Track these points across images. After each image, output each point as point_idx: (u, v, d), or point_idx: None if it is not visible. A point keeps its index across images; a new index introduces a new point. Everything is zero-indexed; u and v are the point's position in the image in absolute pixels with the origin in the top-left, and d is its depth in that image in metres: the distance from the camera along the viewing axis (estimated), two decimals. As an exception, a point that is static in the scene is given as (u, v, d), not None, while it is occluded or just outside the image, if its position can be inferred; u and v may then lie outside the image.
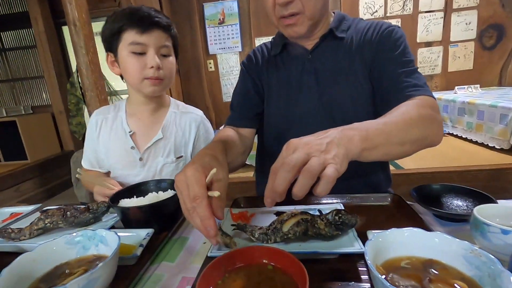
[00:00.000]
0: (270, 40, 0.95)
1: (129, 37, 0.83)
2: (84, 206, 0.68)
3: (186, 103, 1.06)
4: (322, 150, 0.43)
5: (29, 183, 3.05)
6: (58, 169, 3.34)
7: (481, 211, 0.50)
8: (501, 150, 2.12)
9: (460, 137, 2.50)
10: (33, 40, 3.44)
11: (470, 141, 2.39)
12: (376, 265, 0.39)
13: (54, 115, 3.54)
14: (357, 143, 0.47)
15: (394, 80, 0.72)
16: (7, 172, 2.88)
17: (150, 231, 0.58)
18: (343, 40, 0.81)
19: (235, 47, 3.48)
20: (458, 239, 0.39)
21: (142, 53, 0.84)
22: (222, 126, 0.98)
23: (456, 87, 2.87)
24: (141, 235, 0.57)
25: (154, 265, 0.54)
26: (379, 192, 0.86)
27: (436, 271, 0.39)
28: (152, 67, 0.83)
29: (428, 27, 3.18)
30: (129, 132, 0.93)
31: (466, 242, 0.39)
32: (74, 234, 0.49)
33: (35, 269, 0.45)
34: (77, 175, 0.89)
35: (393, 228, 0.43)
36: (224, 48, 3.51)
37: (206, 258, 0.50)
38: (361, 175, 0.84)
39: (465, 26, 3.13)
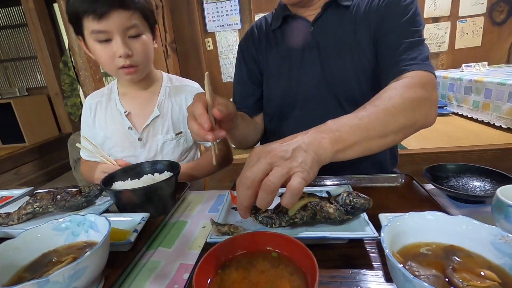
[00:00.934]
0: (272, 12, 0.87)
1: (88, 25, 0.72)
2: (75, 189, 0.64)
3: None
4: (286, 158, 0.39)
5: (28, 166, 3.02)
6: (57, 152, 3.30)
7: (504, 192, 0.46)
8: (508, 130, 2.06)
9: (466, 117, 2.44)
10: (23, 18, 3.29)
11: (476, 120, 2.33)
12: (393, 252, 0.35)
13: (50, 97, 3.46)
14: (327, 146, 0.43)
15: (392, 52, 0.65)
16: (6, 155, 2.84)
17: (145, 215, 0.55)
18: (348, 8, 0.74)
19: (234, 24, 3.34)
20: (486, 224, 0.35)
21: (108, 40, 0.73)
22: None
23: (463, 65, 2.77)
24: (135, 219, 0.54)
25: (150, 251, 0.51)
26: (384, 172, 0.82)
27: (459, 258, 0.35)
28: (120, 56, 0.74)
29: (436, 1, 3.03)
30: (124, 112, 0.88)
31: (494, 227, 0.34)
32: (61, 219, 0.45)
33: (19, 258, 0.41)
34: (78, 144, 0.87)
35: (412, 212, 0.38)
36: (223, 26, 3.37)
37: (205, 244, 0.46)
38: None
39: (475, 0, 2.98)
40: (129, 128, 0.87)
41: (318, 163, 0.42)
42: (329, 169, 0.80)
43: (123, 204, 0.59)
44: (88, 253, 0.36)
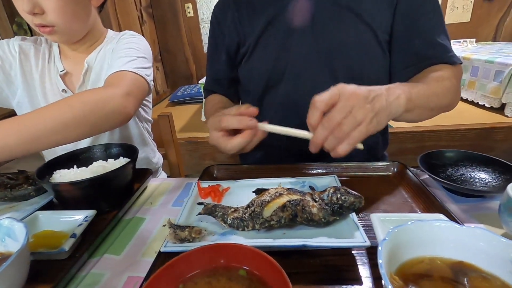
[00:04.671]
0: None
1: None
2: (22, 173, 0.53)
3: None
4: (367, 103, 0.41)
5: (-9, 140, 2.78)
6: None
7: (515, 190, 0.39)
8: (491, 109, 2.06)
9: (451, 95, 2.42)
10: (-27, -28, 2.88)
11: (461, 98, 2.31)
12: (391, 274, 0.28)
13: (12, 64, 3.14)
14: (402, 103, 0.46)
15: (433, 43, 0.62)
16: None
17: (90, 213, 0.45)
18: None
19: (216, -12, 3.07)
20: (504, 238, 0.28)
21: None
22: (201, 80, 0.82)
23: (452, 41, 2.70)
24: (76, 219, 0.44)
25: (94, 259, 0.41)
26: (374, 155, 0.76)
27: (471, 279, 0.28)
28: (28, 13, 0.62)
29: (429, -29, 2.88)
30: (61, 71, 0.73)
31: (518, 243, 0.27)
32: (-35, 227, 0.35)
33: None
34: None
35: (416, 221, 0.31)
36: (204, -11, 3.09)
37: (159, 254, 0.38)
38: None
39: (468, -29, 2.86)
40: (63, 90, 0.73)
41: (389, 116, 0.45)
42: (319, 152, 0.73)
43: (63, 199, 0.49)
44: (-17, 282, 0.26)
